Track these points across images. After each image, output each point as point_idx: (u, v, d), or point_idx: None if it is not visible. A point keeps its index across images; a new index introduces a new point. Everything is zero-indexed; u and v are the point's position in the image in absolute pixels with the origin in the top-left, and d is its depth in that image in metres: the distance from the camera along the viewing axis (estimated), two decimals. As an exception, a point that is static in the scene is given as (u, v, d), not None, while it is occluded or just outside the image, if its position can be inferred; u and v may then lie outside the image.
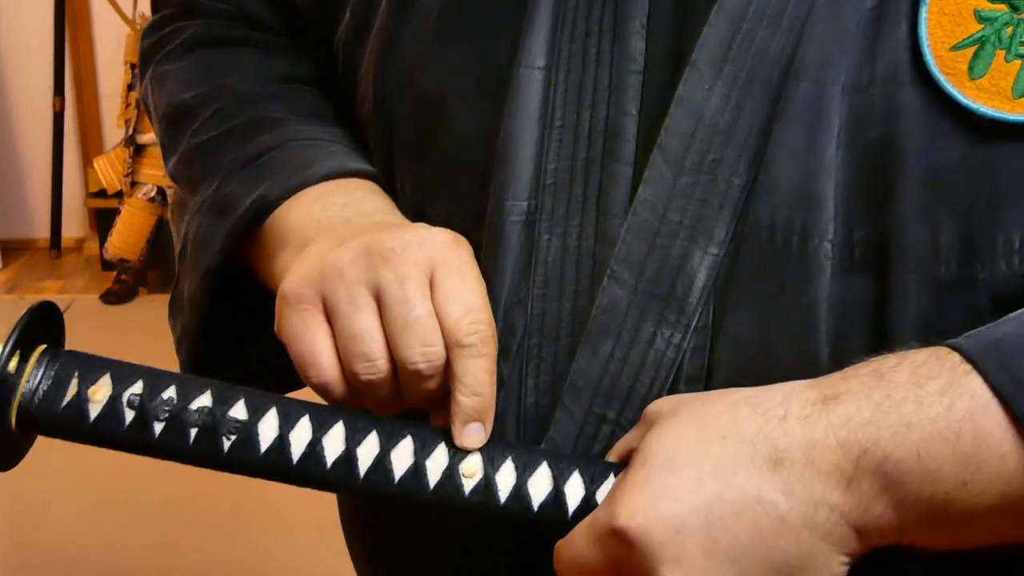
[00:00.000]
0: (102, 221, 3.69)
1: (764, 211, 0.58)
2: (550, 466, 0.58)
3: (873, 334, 0.56)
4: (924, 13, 0.55)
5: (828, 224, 0.56)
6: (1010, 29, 0.54)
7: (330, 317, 0.59)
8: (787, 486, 0.51)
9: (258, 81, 0.77)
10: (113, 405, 0.57)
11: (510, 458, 0.58)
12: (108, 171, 3.59)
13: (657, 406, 0.57)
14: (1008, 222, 0.54)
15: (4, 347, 0.57)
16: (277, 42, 0.80)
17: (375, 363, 0.58)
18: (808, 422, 0.52)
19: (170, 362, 0.71)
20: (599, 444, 0.61)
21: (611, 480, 0.56)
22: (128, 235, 3.50)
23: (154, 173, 3.48)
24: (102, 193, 3.67)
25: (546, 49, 0.62)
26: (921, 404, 0.51)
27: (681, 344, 0.59)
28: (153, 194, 3.50)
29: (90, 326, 3.33)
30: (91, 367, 0.58)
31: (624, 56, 0.61)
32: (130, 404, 0.57)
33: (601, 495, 0.56)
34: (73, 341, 0.61)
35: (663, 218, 0.59)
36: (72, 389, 0.58)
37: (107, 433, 0.58)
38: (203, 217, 0.70)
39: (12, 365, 0.57)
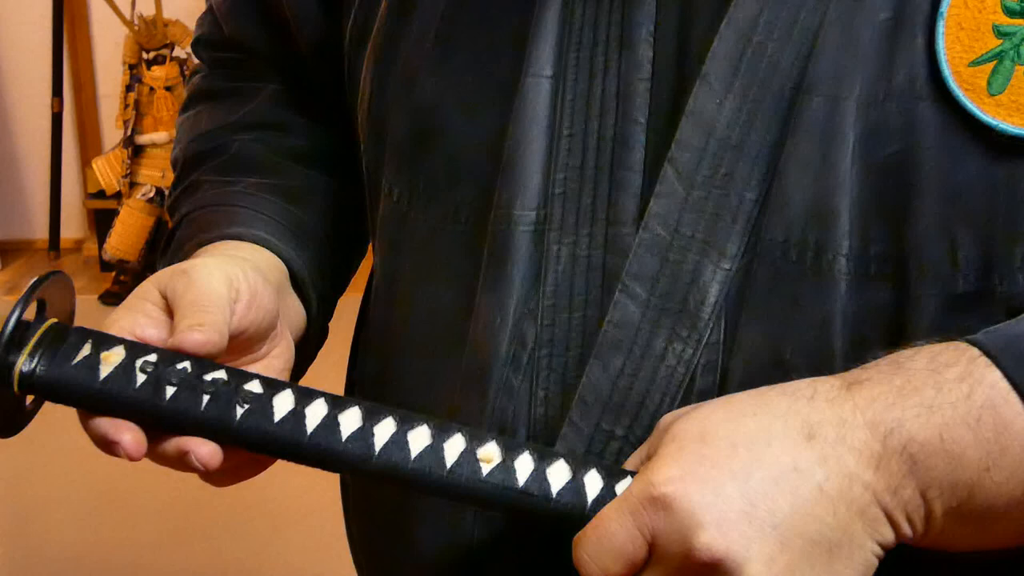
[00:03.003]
0: (101, 222, 3.68)
1: (777, 226, 0.57)
2: (567, 460, 0.56)
3: (889, 348, 0.55)
4: (941, 28, 0.55)
5: (843, 239, 0.56)
6: None
7: None
8: (822, 458, 0.51)
9: (209, 137, 0.82)
10: (125, 368, 0.57)
11: (527, 451, 0.57)
12: (107, 172, 3.57)
13: (672, 416, 0.56)
14: None
15: (16, 304, 0.58)
16: (248, 89, 0.83)
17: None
18: (835, 403, 0.52)
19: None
20: (607, 460, 0.60)
21: (629, 480, 0.54)
22: (127, 236, 3.48)
23: (152, 174, 3.48)
24: (101, 194, 3.65)
25: (553, 58, 0.62)
26: (941, 389, 0.51)
27: (693, 359, 0.59)
28: (152, 195, 3.49)
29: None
30: (106, 338, 0.59)
31: (632, 64, 0.60)
32: (143, 369, 0.57)
33: (620, 488, 0.54)
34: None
35: (675, 232, 0.58)
36: (85, 351, 0.58)
37: (116, 395, 0.57)
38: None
39: (22, 322, 0.58)
